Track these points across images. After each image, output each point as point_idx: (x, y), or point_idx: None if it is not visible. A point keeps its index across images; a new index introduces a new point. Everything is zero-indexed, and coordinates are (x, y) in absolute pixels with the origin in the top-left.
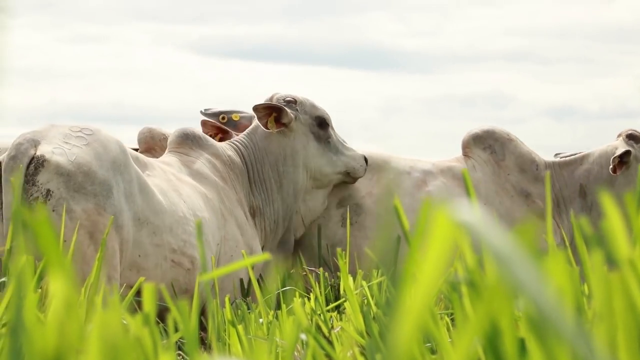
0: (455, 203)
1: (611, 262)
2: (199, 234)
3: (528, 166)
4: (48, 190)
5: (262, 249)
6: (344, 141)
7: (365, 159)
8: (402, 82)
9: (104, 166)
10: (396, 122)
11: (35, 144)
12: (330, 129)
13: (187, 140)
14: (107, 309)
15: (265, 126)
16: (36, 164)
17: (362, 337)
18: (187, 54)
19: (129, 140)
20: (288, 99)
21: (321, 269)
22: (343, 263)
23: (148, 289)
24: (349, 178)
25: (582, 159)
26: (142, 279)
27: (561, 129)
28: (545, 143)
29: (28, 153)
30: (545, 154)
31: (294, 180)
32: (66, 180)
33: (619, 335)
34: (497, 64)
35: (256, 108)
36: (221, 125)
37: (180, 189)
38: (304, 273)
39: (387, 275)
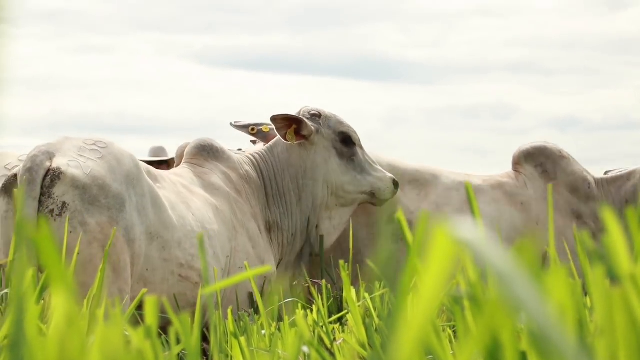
0: (456, 219)
1: (613, 277)
2: (201, 247)
3: (580, 184)
4: (64, 203)
5: (279, 263)
6: (372, 162)
7: (395, 182)
8: (405, 92)
9: (117, 180)
10: (399, 132)
11: (50, 156)
12: (356, 148)
13: (202, 152)
14: (109, 322)
15: (284, 137)
16: (52, 177)
17: (365, 349)
18: (190, 64)
19: (134, 150)
20: (313, 112)
21: (324, 280)
22: (346, 275)
23: (150, 302)
24: (374, 199)
25: (629, 175)
26: (144, 290)
27: (564, 139)
28: None
29: (44, 165)
30: None
31: (313, 194)
32: (82, 193)
33: (619, 351)
34: (500, 75)
35: (274, 118)
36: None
37: (189, 201)
38: (307, 285)
39: (390, 287)
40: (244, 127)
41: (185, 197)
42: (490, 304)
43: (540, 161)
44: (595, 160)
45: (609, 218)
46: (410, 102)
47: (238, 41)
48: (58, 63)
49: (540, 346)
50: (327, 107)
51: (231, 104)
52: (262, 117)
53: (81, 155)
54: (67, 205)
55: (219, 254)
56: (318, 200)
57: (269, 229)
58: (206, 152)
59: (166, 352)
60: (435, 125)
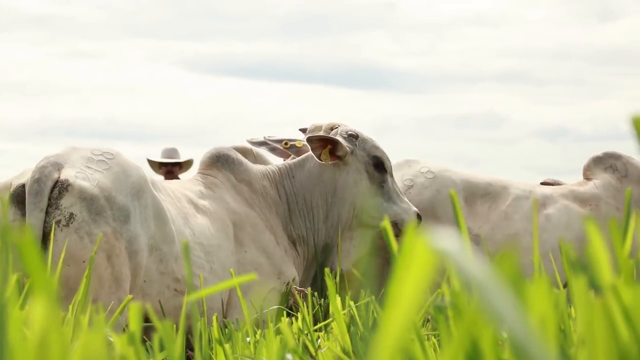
0: (436, 229)
1: (596, 287)
2: (186, 255)
3: None
4: (71, 214)
5: (303, 276)
6: (400, 192)
7: (419, 216)
8: (396, 101)
9: (123, 191)
10: (390, 141)
11: (58, 167)
12: (387, 175)
13: (217, 163)
14: (92, 327)
15: (319, 158)
16: (60, 188)
17: (349, 357)
18: (182, 70)
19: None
20: (350, 132)
21: (309, 289)
22: (331, 283)
23: (134, 308)
24: (395, 229)
25: None
26: (129, 297)
27: (553, 149)
28: (537, 164)
29: (52, 176)
30: (537, 174)
31: (339, 213)
32: (89, 204)
33: None
34: (490, 85)
35: (310, 139)
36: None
37: (189, 216)
38: (293, 293)
39: (375, 295)
40: (278, 142)
41: (186, 212)
42: (470, 313)
43: (610, 163)
44: None
45: (591, 229)
46: (402, 111)
47: (230, 48)
48: (49, 68)
49: (518, 356)
50: (319, 115)
51: (223, 111)
52: (254, 125)
53: (89, 167)
54: (74, 216)
55: (217, 268)
56: (343, 221)
57: (294, 242)
58: (220, 163)
59: (150, 359)
60: (426, 134)
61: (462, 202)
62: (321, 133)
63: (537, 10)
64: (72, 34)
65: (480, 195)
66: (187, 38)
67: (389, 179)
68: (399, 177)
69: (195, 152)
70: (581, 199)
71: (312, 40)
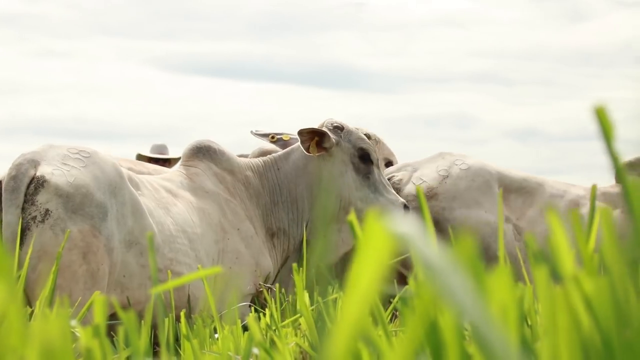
0: (394, 216)
1: (558, 278)
2: (151, 247)
3: None
4: (47, 210)
5: (282, 267)
6: (388, 184)
7: (406, 207)
8: (367, 101)
9: (101, 188)
10: None
11: (35, 164)
12: (373, 166)
13: (198, 153)
14: (51, 317)
15: (307, 150)
16: (36, 185)
17: (317, 352)
18: (151, 69)
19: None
20: (336, 124)
21: (277, 285)
22: (299, 279)
23: (99, 302)
24: None
25: None
26: (96, 293)
27: (524, 150)
28: (507, 164)
29: (28, 173)
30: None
31: (324, 204)
32: (65, 201)
33: (562, 351)
34: (461, 85)
35: (301, 132)
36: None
37: (170, 206)
38: (260, 290)
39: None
40: (265, 136)
41: (165, 202)
42: (428, 296)
43: None
44: (555, 171)
45: (554, 220)
46: (372, 111)
47: (199, 47)
48: (18, 67)
49: (477, 334)
50: (289, 115)
51: (192, 111)
52: (224, 124)
53: (65, 164)
54: (50, 212)
55: (202, 256)
56: (329, 212)
57: (272, 234)
58: (202, 154)
59: (116, 354)
60: (397, 135)
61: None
62: (315, 127)
63: (508, 11)
64: (42, 33)
65: (514, 189)
66: (157, 37)
67: (376, 170)
68: (434, 169)
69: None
70: (614, 201)
71: (282, 40)
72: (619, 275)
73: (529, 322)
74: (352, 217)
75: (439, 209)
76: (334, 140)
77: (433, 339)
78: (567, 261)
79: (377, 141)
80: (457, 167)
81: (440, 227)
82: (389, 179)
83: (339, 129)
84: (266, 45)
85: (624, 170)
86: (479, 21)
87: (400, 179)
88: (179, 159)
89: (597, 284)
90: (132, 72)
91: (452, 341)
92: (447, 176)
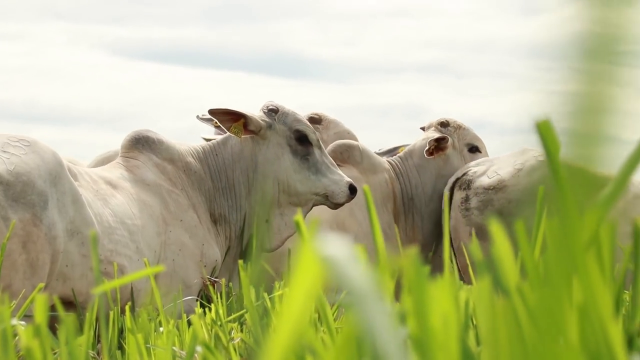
0: (329, 235)
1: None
2: (94, 245)
3: None
4: None
5: (227, 254)
6: (332, 164)
7: (352, 187)
8: (318, 90)
9: (41, 177)
10: None
11: None
12: (312, 147)
13: (137, 145)
14: None
15: (229, 130)
16: None
17: (262, 348)
18: (103, 54)
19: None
20: (271, 107)
21: (223, 279)
22: (244, 275)
23: (40, 300)
24: (328, 202)
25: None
26: (40, 285)
27: None
28: None
29: None
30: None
31: (263, 189)
32: (5, 189)
33: None
34: (412, 76)
35: (212, 112)
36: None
37: (108, 197)
38: (206, 283)
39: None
40: (209, 121)
41: (104, 194)
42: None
43: None
44: None
45: (496, 229)
46: (324, 100)
47: (152, 33)
48: None
49: None
50: (240, 102)
51: (143, 96)
52: (175, 110)
53: (5, 152)
54: None
55: (143, 248)
56: (268, 196)
57: (215, 221)
58: (141, 144)
59: (56, 351)
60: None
61: None
62: (230, 107)
63: (460, 3)
64: None
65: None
66: (108, 22)
67: (316, 151)
68: (511, 163)
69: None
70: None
71: (236, 28)
72: (559, 286)
73: (474, 322)
74: (298, 217)
75: (505, 202)
76: (262, 123)
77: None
78: (510, 271)
79: (460, 126)
80: (534, 159)
81: (504, 220)
82: (465, 173)
83: (273, 111)
84: (219, 33)
85: (563, 183)
86: (431, 12)
87: (475, 172)
88: None
89: (541, 295)
90: (83, 56)
91: None
92: (521, 169)
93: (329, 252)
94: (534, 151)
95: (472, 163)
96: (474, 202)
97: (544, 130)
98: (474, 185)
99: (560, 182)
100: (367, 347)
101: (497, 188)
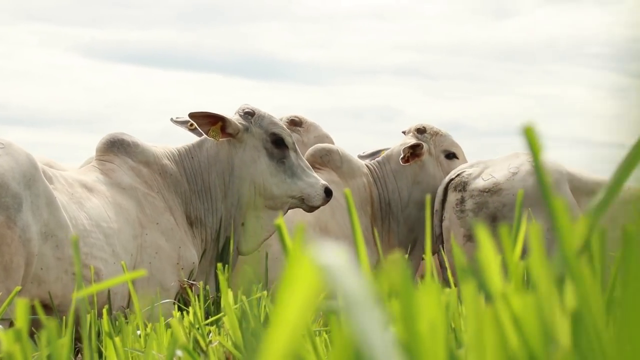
0: (322, 243)
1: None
2: (76, 249)
3: None
4: None
5: (202, 257)
6: (308, 167)
7: (328, 190)
8: (292, 92)
9: (15, 179)
10: None
11: None
12: (288, 151)
13: (112, 148)
14: None
15: (207, 134)
16: None
17: (241, 352)
18: (77, 57)
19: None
20: (247, 110)
21: (201, 282)
22: (222, 277)
23: (21, 304)
24: (303, 205)
25: None
26: (18, 288)
27: None
28: None
29: None
30: None
31: (239, 192)
32: None
33: None
34: (386, 78)
35: (192, 115)
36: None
37: (83, 200)
38: (183, 286)
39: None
40: (184, 123)
41: (79, 197)
42: (343, 334)
43: None
44: None
45: (482, 233)
46: (298, 102)
47: (126, 35)
48: None
49: None
50: (215, 104)
51: (118, 99)
52: (149, 113)
53: None
54: None
55: (119, 251)
56: (244, 199)
57: (191, 223)
58: (116, 148)
59: (36, 353)
60: (322, 126)
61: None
62: (210, 111)
63: (434, 6)
64: None
65: (586, 192)
66: (82, 24)
67: (292, 154)
68: (505, 166)
69: (90, 138)
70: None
71: (210, 29)
72: (546, 292)
73: (453, 326)
74: (280, 221)
75: (499, 205)
76: (240, 126)
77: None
78: (495, 276)
79: (437, 132)
80: (528, 164)
81: (498, 224)
82: (459, 174)
83: (249, 114)
84: (193, 35)
85: (549, 189)
86: (405, 15)
87: (470, 174)
88: None
89: (525, 301)
90: (57, 58)
91: None
92: (517, 173)
93: (325, 258)
94: (529, 155)
95: (466, 165)
96: (469, 204)
97: (529, 134)
98: (470, 187)
99: (545, 185)
100: (364, 354)
101: (493, 191)
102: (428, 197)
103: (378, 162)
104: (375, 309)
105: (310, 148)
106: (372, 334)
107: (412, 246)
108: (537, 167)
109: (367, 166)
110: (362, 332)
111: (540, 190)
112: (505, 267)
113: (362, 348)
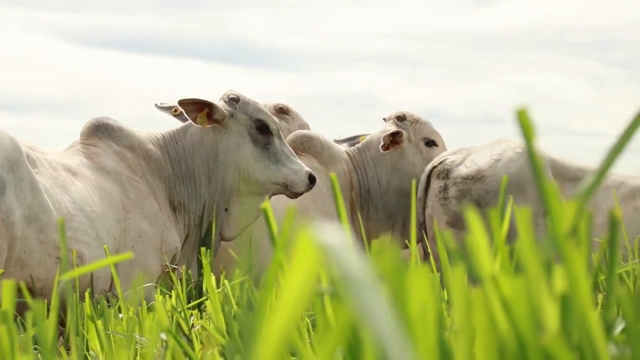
0: (320, 223)
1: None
2: (62, 232)
3: None
4: None
5: (185, 242)
6: (292, 154)
7: (311, 177)
8: (275, 79)
9: None
10: None
11: None
12: (273, 137)
13: (97, 132)
14: None
15: (194, 120)
16: None
17: (223, 336)
18: (58, 42)
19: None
20: (232, 96)
21: (184, 266)
22: (206, 261)
23: (7, 286)
24: (287, 191)
25: None
26: (1, 271)
27: None
28: None
29: None
30: None
31: (223, 178)
32: None
33: (477, 352)
34: (368, 66)
35: (181, 102)
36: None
37: (68, 184)
38: (167, 270)
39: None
40: (168, 109)
41: (63, 181)
42: (345, 312)
43: None
44: None
45: (472, 217)
46: (280, 89)
47: (107, 21)
48: None
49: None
50: (196, 90)
51: (99, 83)
52: (130, 98)
53: None
54: None
55: (103, 235)
56: (228, 184)
57: (174, 208)
58: (100, 132)
59: (21, 334)
60: (303, 113)
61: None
62: (198, 97)
63: None
64: None
65: (569, 178)
66: (65, 9)
67: (277, 141)
68: (488, 153)
69: (71, 123)
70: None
71: (191, 16)
72: (534, 275)
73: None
74: (266, 204)
75: (482, 192)
76: (225, 112)
77: (352, 338)
78: (484, 260)
79: (417, 120)
80: (511, 151)
81: (481, 210)
82: (442, 162)
83: (234, 100)
84: (175, 21)
85: (542, 172)
86: (387, 2)
87: (453, 161)
88: None
89: (514, 284)
90: (38, 43)
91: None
92: (499, 160)
93: (326, 239)
94: (510, 142)
95: (448, 152)
96: (452, 191)
97: (522, 118)
98: (453, 174)
99: (538, 169)
100: (367, 334)
101: (476, 178)
102: (414, 183)
103: (358, 148)
104: (377, 288)
105: (291, 134)
106: (375, 313)
107: (391, 233)
108: (530, 151)
109: (347, 152)
110: (364, 312)
111: (533, 174)
112: (493, 250)
113: (366, 328)
